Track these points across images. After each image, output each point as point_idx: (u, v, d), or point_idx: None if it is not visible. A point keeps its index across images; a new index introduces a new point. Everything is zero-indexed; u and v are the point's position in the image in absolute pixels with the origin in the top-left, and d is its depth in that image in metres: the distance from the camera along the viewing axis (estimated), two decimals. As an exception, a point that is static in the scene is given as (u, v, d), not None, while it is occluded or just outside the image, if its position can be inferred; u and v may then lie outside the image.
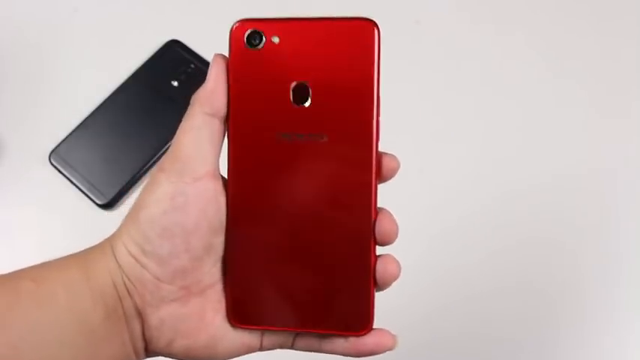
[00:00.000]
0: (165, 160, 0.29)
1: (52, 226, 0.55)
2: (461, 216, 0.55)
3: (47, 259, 0.55)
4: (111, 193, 0.55)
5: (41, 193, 0.56)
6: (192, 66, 0.59)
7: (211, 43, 0.59)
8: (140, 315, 0.29)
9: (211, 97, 0.29)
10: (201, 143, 0.29)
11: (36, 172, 0.56)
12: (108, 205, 0.55)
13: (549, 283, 0.53)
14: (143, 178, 0.56)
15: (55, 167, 0.56)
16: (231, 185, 0.29)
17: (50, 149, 0.56)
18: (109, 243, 0.30)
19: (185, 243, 0.28)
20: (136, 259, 0.29)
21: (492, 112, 0.59)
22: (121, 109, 0.58)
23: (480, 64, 0.61)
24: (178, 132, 0.29)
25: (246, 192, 0.29)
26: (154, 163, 0.56)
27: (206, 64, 0.59)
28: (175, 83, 0.59)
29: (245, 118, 0.29)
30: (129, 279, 0.29)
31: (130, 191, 0.56)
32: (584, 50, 0.61)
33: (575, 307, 0.53)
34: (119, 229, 0.30)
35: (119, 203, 0.55)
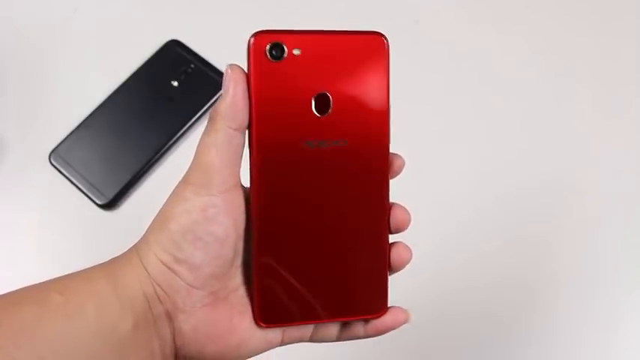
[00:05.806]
0: (192, 174, 0.29)
1: (52, 226, 0.55)
2: (461, 215, 0.55)
3: (47, 260, 0.55)
4: (111, 193, 0.55)
5: (41, 193, 0.56)
6: (192, 66, 0.59)
7: (211, 43, 0.60)
8: (171, 322, 0.29)
9: (234, 111, 0.29)
10: (227, 157, 0.29)
11: (36, 172, 0.56)
12: (108, 205, 0.55)
13: (551, 283, 0.53)
14: (143, 178, 0.56)
15: (55, 167, 0.56)
16: (257, 192, 0.30)
17: (50, 149, 0.56)
18: (135, 253, 0.30)
19: (217, 251, 0.29)
20: (168, 267, 0.29)
21: (492, 112, 0.59)
22: (121, 109, 0.58)
23: (479, 64, 0.61)
24: (202, 146, 0.29)
25: (273, 197, 0.30)
26: (154, 163, 0.56)
27: (206, 64, 0.59)
28: (175, 83, 0.59)
29: (269, 129, 0.30)
30: (160, 286, 0.29)
31: (130, 191, 0.56)
32: (584, 50, 0.61)
33: (575, 310, 0.53)
34: (145, 239, 0.30)
35: (119, 203, 0.55)
